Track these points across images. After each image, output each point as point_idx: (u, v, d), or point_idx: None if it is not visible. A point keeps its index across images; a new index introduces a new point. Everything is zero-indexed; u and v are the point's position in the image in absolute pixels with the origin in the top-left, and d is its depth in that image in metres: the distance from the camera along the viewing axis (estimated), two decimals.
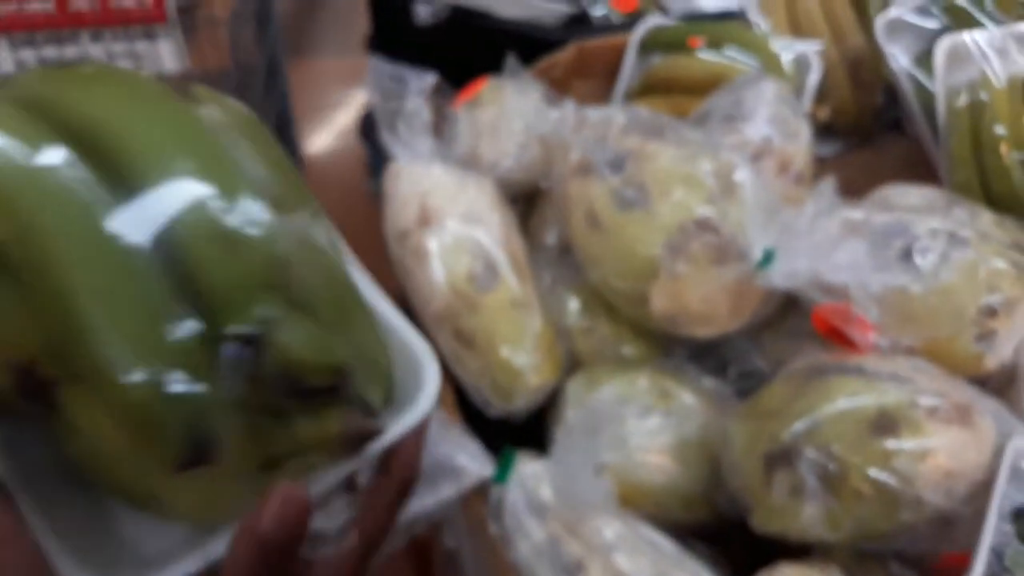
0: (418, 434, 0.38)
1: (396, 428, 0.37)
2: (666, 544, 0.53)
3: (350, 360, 0.34)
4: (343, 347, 0.34)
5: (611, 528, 0.52)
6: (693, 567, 0.52)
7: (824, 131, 0.95)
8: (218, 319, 0.31)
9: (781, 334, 0.61)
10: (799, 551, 0.53)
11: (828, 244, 0.53)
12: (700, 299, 0.57)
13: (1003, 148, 0.78)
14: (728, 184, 0.57)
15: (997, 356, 0.56)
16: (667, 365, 0.62)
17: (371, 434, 0.36)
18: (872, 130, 0.98)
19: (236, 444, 0.32)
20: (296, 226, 0.34)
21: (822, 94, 0.94)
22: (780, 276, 0.54)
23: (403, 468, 0.38)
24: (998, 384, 0.58)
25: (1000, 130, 0.78)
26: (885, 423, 0.49)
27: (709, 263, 0.56)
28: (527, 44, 0.92)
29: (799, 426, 0.51)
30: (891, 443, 0.49)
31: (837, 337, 0.56)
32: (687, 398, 0.59)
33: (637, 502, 0.56)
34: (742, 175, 0.57)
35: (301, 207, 0.36)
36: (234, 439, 0.31)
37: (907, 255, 0.55)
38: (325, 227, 0.38)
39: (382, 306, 0.41)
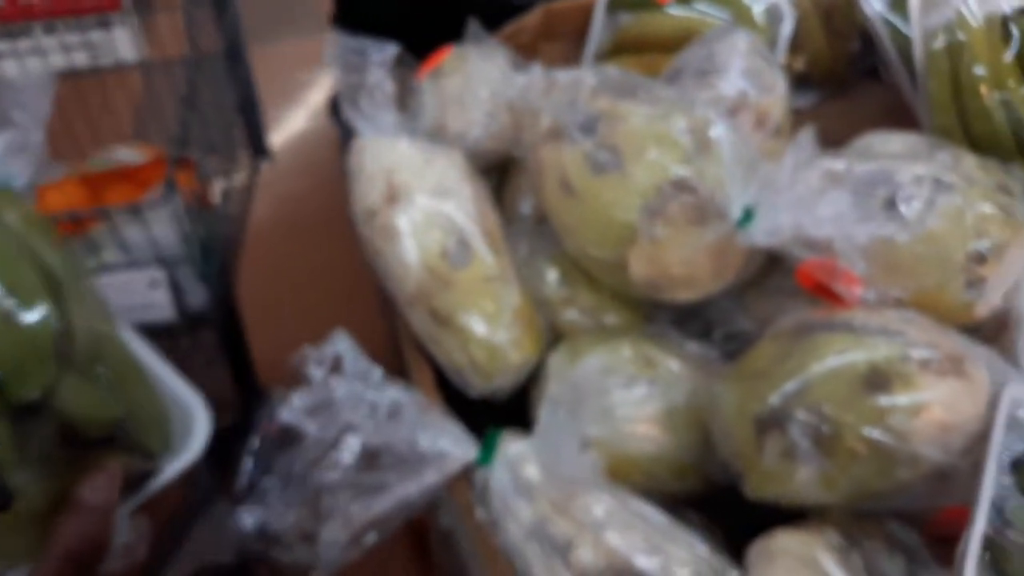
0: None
1: (170, 468, 0.47)
2: (657, 516, 0.51)
3: (126, 414, 0.43)
4: (119, 404, 0.43)
5: (600, 504, 0.50)
6: (686, 538, 0.50)
7: (800, 82, 0.92)
8: (9, 388, 0.37)
9: (766, 292, 0.60)
10: (794, 515, 0.52)
11: (810, 197, 0.51)
12: (681, 262, 0.55)
13: (983, 89, 0.76)
14: (704, 141, 0.55)
15: (988, 303, 0.54)
16: (650, 332, 0.60)
17: (147, 474, 0.46)
18: (849, 78, 0.96)
19: (31, 491, 0.39)
20: (77, 305, 0.41)
21: (796, 44, 0.91)
22: (762, 233, 0.52)
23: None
24: (990, 331, 0.57)
25: (980, 71, 0.76)
26: (877, 379, 0.48)
27: (688, 224, 0.54)
28: (493, 10, 0.89)
29: (788, 387, 0.49)
30: (884, 399, 0.47)
31: (824, 293, 0.54)
32: (672, 364, 0.58)
33: (627, 474, 0.55)
34: (718, 131, 0.55)
35: (80, 289, 0.43)
36: (29, 487, 0.39)
37: (892, 204, 0.54)
38: (100, 304, 0.46)
39: (157, 366, 0.51)
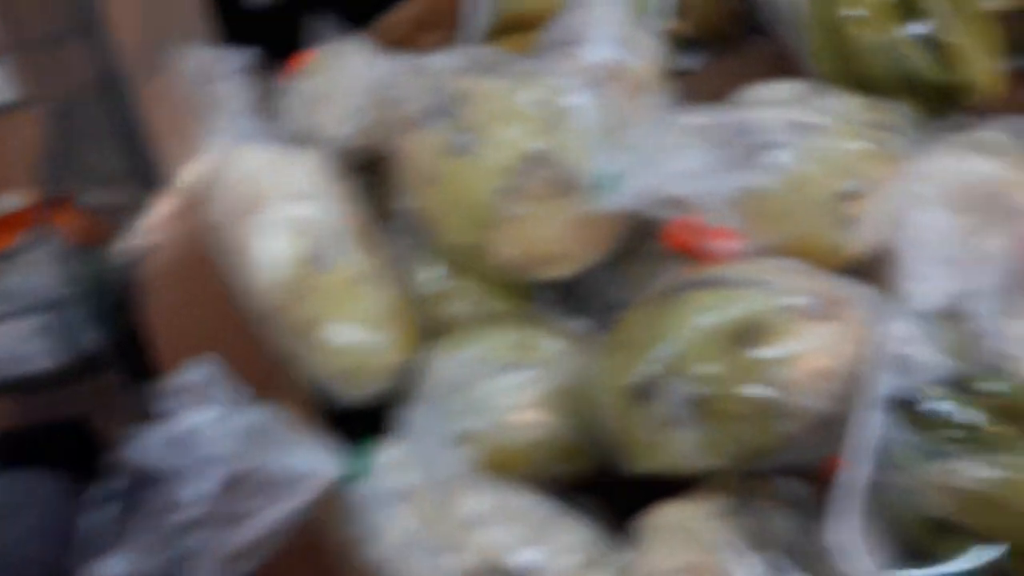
0: None
1: None
2: (542, 506, 0.49)
3: None
4: None
5: (480, 501, 0.48)
6: (572, 525, 0.48)
7: (688, 44, 0.90)
8: None
9: (640, 259, 0.57)
10: (683, 485, 0.49)
11: (668, 155, 0.49)
12: (548, 239, 0.53)
13: (864, 32, 0.74)
14: (559, 112, 0.53)
15: (862, 240, 0.52)
16: (532, 314, 0.57)
17: None
18: (738, 36, 0.94)
19: None
20: None
21: (682, 8, 0.89)
22: (623, 198, 0.49)
23: None
24: (869, 268, 0.55)
25: (858, 12, 0.74)
26: (748, 333, 0.46)
27: (549, 199, 0.52)
28: (370, 3, 0.87)
29: (658, 353, 0.47)
30: (757, 353, 0.45)
31: (690, 251, 0.52)
32: (551, 345, 0.55)
33: (512, 465, 0.52)
34: (573, 100, 0.53)
35: None
36: None
37: (757, 152, 0.52)
38: None
39: None
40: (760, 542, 0.45)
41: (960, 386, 0.46)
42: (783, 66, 0.86)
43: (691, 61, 0.89)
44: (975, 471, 0.41)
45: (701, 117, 0.53)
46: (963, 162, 0.57)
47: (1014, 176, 0.57)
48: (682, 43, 0.89)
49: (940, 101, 0.72)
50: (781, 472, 0.48)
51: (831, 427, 0.46)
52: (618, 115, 0.54)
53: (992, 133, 0.61)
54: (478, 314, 0.60)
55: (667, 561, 0.45)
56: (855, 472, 0.43)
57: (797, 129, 0.52)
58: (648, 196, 0.49)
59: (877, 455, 0.44)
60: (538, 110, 0.53)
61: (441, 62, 0.61)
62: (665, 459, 0.47)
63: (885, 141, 0.53)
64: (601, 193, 0.50)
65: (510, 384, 0.53)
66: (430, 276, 0.61)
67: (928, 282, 0.52)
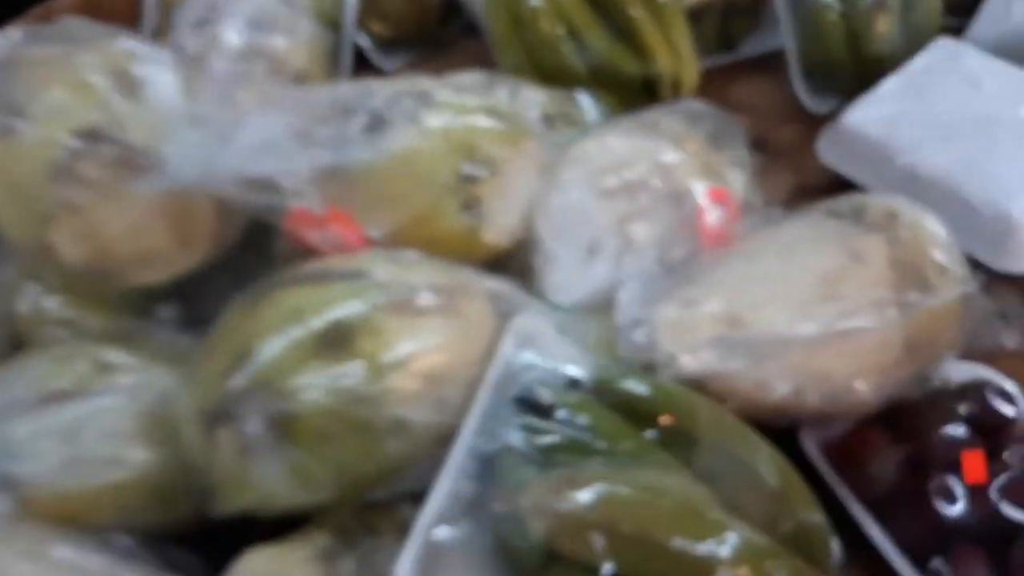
0: None
1: None
2: (97, 562, 0.39)
3: None
4: None
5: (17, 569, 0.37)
6: None
7: (389, 45, 0.84)
8: None
9: (264, 258, 0.49)
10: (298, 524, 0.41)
11: (248, 130, 0.41)
12: (123, 233, 0.43)
13: (543, 22, 0.71)
14: (128, 83, 0.44)
15: (495, 227, 0.46)
16: (121, 330, 0.47)
17: None
18: (448, 37, 0.89)
19: None
20: None
21: (380, 10, 0.83)
22: (198, 177, 0.41)
23: None
24: (519, 263, 0.49)
25: (536, 3, 0.71)
26: (337, 335, 0.38)
27: (115, 184, 0.42)
28: None
29: (234, 367, 0.38)
30: (346, 359, 0.38)
31: (305, 243, 0.44)
32: (141, 365, 0.45)
33: (88, 515, 0.42)
34: (143, 70, 0.44)
35: None
36: None
37: (367, 130, 0.45)
38: None
39: None
40: None
41: (597, 387, 0.40)
42: (489, 65, 0.81)
43: (388, 62, 0.83)
44: (577, 495, 0.35)
45: (305, 93, 0.45)
46: (621, 146, 0.53)
47: (682, 159, 0.54)
48: (382, 43, 0.83)
49: (634, 94, 0.69)
50: (410, 499, 0.40)
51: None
52: (210, 93, 0.46)
53: (666, 116, 0.58)
54: (74, 333, 0.49)
55: None
56: (437, 495, 0.36)
57: (414, 107, 0.45)
58: (226, 176, 0.40)
59: (486, 472, 0.37)
60: (101, 79, 0.43)
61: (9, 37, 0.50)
62: (254, 494, 0.39)
63: (519, 123, 0.47)
64: (171, 173, 0.41)
65: (78, 415, 0.43)
66: (27, 297, 0.50)
67: (571, 272, 0.47)
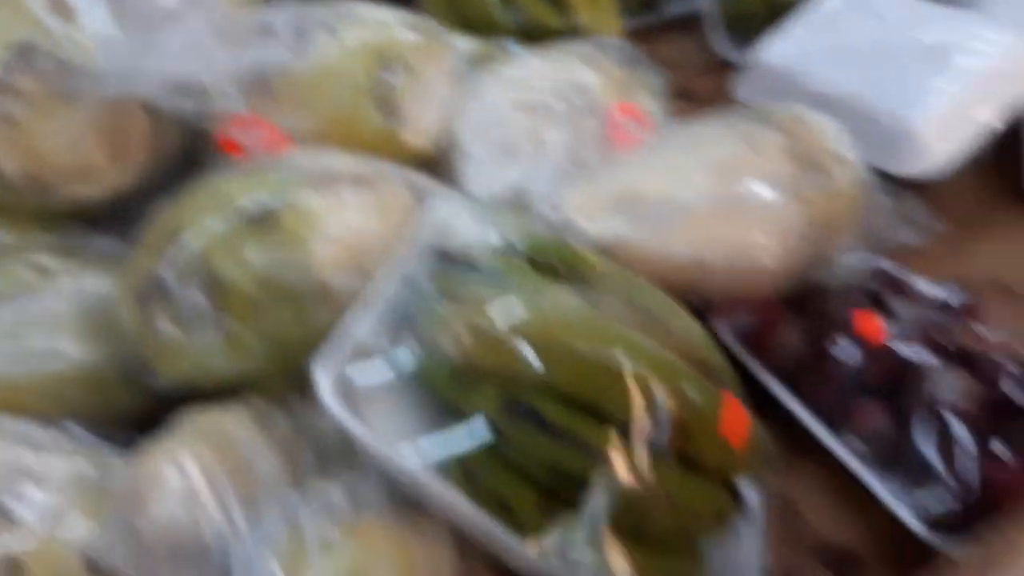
0: None
1: None
2: (45, 436, 0.41)
3: None
4: None
5: None
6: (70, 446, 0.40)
7: None
8: None
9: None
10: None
11: (168, 33, 0.44)
12: (58, 145, 0.46)
13: None
14: (62, 6, 0.46)
15: (414, 130, 0.49)
16: (61, 246, 0.49)
17: None
18: None
19: None
20: None
21: None
22: (125, 84, 0.44)
23: None
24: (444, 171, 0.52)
25: None
26: (264, 213, 0.41)
27: (52, 98, 0.45)
28: None
29: (165, 247, 0.41)
30: (273, 232, 0.40)
31: (233, 147, 0.47)
32: (80, 271, 0.47)
33: (33, 403, 0.44)
34: None
35: None
36: None
37: (291, 37, 0.48)
38: None
39: None
40: (294, 443, 0.40)
41: (508, 248, 0.42)
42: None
43: None
44: (493, 312, 0.37)
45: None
46: (537, 63, 0.57)
47: (595, 76, 0.57)
48: None
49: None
50: None
51: None
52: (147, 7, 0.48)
53: (581, 46, 0.62)
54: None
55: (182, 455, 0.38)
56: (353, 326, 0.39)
57: (335, 19, 0.48)
58: (153, 80, 0.43)
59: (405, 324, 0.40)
60: (34, 1, 0.46)
61: None
62: (192, 364, 0.41)
63: (436, 34, 0.51)
64: (100, 81, 0.43)
65: (8, 317, 0.45)
66: None
67: (487, 169, 0.50)
